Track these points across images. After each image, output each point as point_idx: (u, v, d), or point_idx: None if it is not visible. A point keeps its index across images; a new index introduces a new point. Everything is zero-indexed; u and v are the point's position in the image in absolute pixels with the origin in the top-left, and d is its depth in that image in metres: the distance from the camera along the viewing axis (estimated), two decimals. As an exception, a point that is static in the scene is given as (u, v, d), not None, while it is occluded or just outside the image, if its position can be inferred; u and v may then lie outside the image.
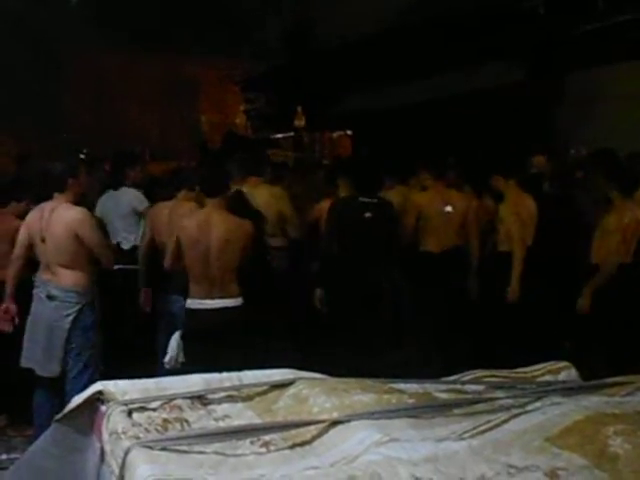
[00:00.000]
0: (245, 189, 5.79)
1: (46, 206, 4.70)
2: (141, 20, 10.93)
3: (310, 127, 12.31)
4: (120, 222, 6.00)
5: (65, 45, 11.65)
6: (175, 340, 4.65)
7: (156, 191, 6.27)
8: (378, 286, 5.30)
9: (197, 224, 4.63)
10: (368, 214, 5.28)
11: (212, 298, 4.57)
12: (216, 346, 4.47)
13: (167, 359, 4.63)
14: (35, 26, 10.59)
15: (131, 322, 5.52)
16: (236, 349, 4.43)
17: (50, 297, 4.62)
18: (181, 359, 4.62)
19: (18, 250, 4.81)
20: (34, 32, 10.74)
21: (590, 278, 5.19)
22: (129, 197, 6.12)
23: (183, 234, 4.67)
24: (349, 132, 12.68)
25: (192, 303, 4.63)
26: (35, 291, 4.73)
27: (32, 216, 4.75)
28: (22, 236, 4.79)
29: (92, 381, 3.17)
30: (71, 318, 4.61)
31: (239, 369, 3.16)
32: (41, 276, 4.72)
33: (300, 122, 12.35)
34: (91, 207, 5.58)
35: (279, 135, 12.72)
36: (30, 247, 4.78)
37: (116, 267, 5.65)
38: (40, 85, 11.26)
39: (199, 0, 11.14)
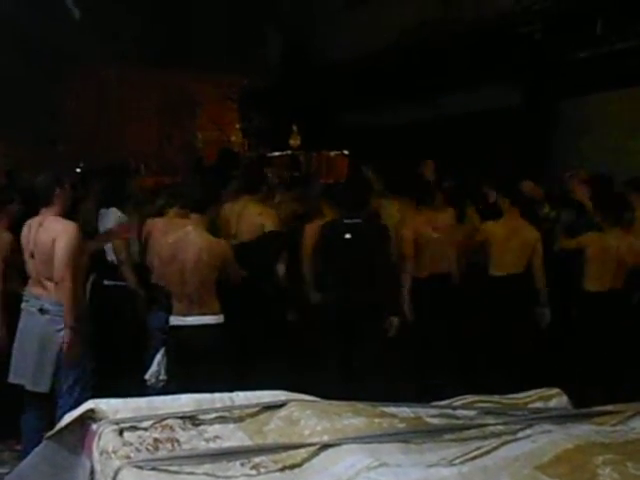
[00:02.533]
0: (236, 207, 5.80)
1: (34, 221, 4.70)
2: (142, 36, 10.99)
3: (307, 146, 12.33)
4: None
5: (66, 58, 11.70)
6: (158, 357, 4.66)
7: (149, 207, 6.28)
8: (362, 306, 5.29)
9: (173, 241, 4.64)
10: (348, 235, 5.28)
11: (192, 315, 4.57)
12: (196, 363, 4.48)
13: (148, 375, 4.64)
14: (36, 39, 10.62)
15: (122, 338, 5.50)
16: (215, 366, 4.43)
17: (42, 311, 4.61)
18: (162, 376, 4.62)
19: None
20: (35, 45, 10.77)
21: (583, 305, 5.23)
22: (111, 217, 6.04)
23: (161, 251, 4.70)
24: (346, 152, 12.70)
25: (173, 320, 4.65)
26: (24, 305, 4.72)
27: (23, 231, 4.76)
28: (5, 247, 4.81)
29: (83, 396, 3.18)
30: (63, 332, 4.60)
31: (218, 387, 3.17)
32: (31, 290, 4.71)
33: (295, 141, 12.37)
34: (91, 220, 5.57)
35: (275, 153, 12.72)
36: (6, 261, 4.79)
37: (106, 283, 5.66)
38: (39, 97, 11.29)
39: (199, 17, 11.20)
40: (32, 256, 4.66)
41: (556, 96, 9.08)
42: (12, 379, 4.70)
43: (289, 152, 12.50)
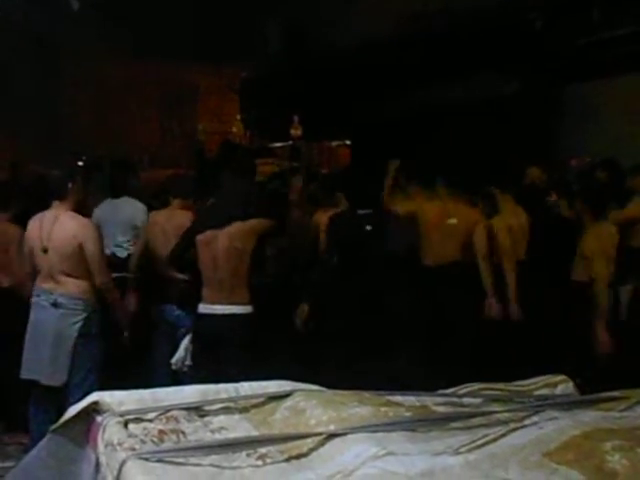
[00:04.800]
0: None
1: (46, 215, 4.67)
2: (141, 27, 10.94)
3: (309, 136, 12.30)
4: (118, 231, 5.95)
5: (65, 51, 11.67)
6: (185, 343, 4.66)
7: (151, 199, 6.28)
8: (378, 299, 5.25)
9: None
10: (369, 227, 5.22)
11: (221, 304, 4.55)
12: (222, 352, 4.46)
13: (174, 360, 4.65)
14: (35, 31, 10.59)
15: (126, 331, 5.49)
16: (242, 357, 4.42)
17: (56, 305, 4.59)
18: (188, 362, 4.62)
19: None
20: (34, 37, 10.75)
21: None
22: (131, 209, 6.03)
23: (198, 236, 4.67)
24: (348, 142, 12.68)
25: (202, 308, 4.62)
26: (35, 300, 4.70)
27: (31, 225, 4.73)
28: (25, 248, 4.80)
29: (94, 390, 3.16)
30: (78, 326, 4.60)
31: (242, 377, 3.16)
32: (42, 285, 4.69)
33: (296, 131, 12.33)
34: (89, 214, 5.55)
35: (277, 144, 12.69)
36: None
37: (113, 275, 5.66)
38: (39, 90, 11.26)
39: (199, 8, 11.15)
40: (45, 251, 4.63)
41: (558, 83, 9.05)
42: (25, 375, 4.67)
43: (290, 142, 12.48)
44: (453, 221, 5.80)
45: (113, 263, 5.73)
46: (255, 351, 4.54)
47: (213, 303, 4.56)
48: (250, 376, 3.23)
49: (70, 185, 4.70)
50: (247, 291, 4.60)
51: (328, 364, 5.03)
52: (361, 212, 5.27)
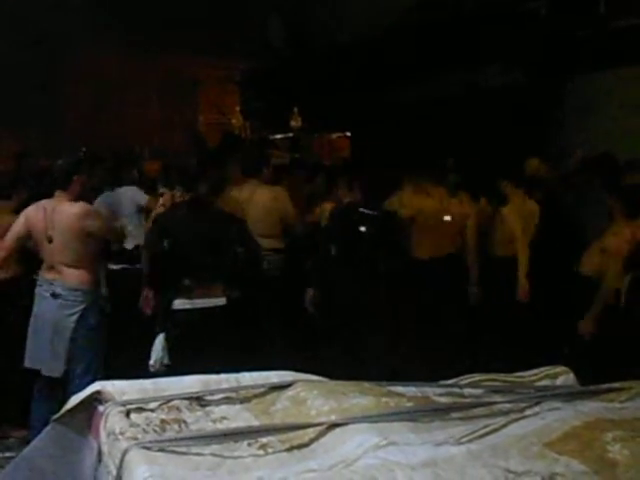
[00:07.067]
0: (244, 192, 5.75)
1: (48, 204, 4.66)
2: (140, 19, 10.92)
3: (309, 128, 12.28)
4: (123, 221, 5.92)
5: (65, 43, 11.64)
6: (159, 342, 4.63)
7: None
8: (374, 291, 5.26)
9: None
10: (366, 228, 5.21)
11: (200, 297, 4.56)
12: (203, 346, 4.46)
13: (152, 361, 4.61)
14: (35, 24, 10.56)
15: (134, 322, 5.48)
16: (220, 349, 4.42)
17: (55, 295, 4.60)
18: (166, 361, 4.60)
19: (9, 242, 4.76)
20: (34, 31, 10.72)
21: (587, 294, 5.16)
22: (131, 194, 6.03)
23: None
24: (348, 134, 12.65)
25: (179, 303, 4.62)
26: (38, 290, 4.71)
27: (33, 214, 4.70)
28: (18, 228, 4.74)
29: (95, 381, 3.16)
30: (76, 317, 4.60)
31: (222, 370, 3.16)
32: (45, 275, 4.70)
33: (296, 123, 12.31)
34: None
35: (277, 136, 12.67)
36: (20, 241, 4.75)
37: (119, 267, 5.66)
38: (39, 83, 11.24)
39: (198, 0, 11.13)
40: (50, 241, 4.62)
41: (562, 74, 9.01)
42: (28, 364, 4.68)
43: (290, 134, 12.45)
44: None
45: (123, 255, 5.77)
46: (237, 341, 4.56)
47: (192, 298, 4.57)
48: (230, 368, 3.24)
49: (76, 177, 4.69)
50: (221, 283, 4.63)
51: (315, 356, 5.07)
52: (364, 211, 5.27)
